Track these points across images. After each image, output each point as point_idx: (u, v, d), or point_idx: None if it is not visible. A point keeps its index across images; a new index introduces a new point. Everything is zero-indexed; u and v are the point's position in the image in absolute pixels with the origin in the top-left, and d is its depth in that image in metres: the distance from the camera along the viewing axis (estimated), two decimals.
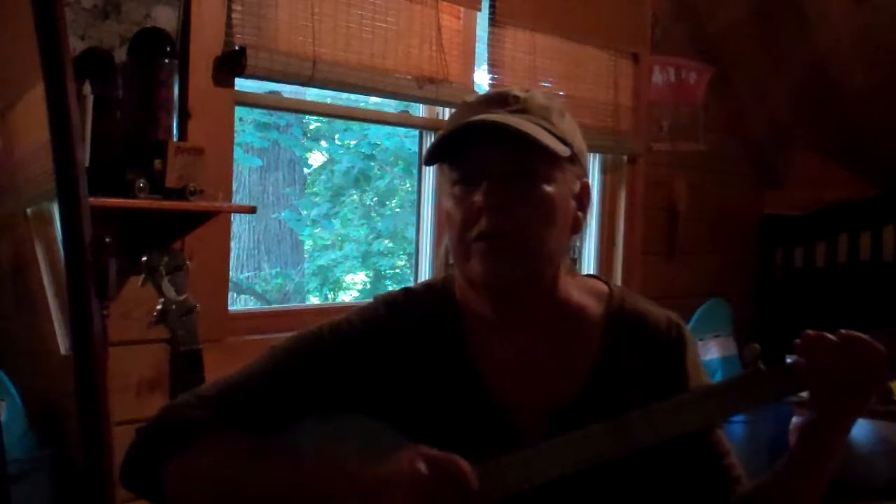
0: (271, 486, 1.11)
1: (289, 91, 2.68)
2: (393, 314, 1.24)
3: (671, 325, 1.26)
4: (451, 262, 1.24)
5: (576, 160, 1.20)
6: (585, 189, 1.23)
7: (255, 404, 1.18)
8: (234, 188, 2.49)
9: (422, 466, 1.03)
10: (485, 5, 2.96)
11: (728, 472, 1.23)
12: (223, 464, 1.13)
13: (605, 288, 1.29)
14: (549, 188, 1.16)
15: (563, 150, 1.15)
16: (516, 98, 1.18)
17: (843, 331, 1.11)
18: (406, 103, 3.01)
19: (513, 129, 1.13)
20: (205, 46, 2.23)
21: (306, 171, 6.44)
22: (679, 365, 1.24)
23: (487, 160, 1.15)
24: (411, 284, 1.36)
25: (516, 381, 1.20)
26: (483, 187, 1.14)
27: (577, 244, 1.25)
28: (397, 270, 6.27)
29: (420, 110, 3.01)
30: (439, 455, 1.05)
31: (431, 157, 1.20)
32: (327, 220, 6.17)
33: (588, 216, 1.25)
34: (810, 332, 1.13)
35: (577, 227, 1.22)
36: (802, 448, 1.15)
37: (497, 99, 1.19)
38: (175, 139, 2.09)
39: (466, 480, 1.04)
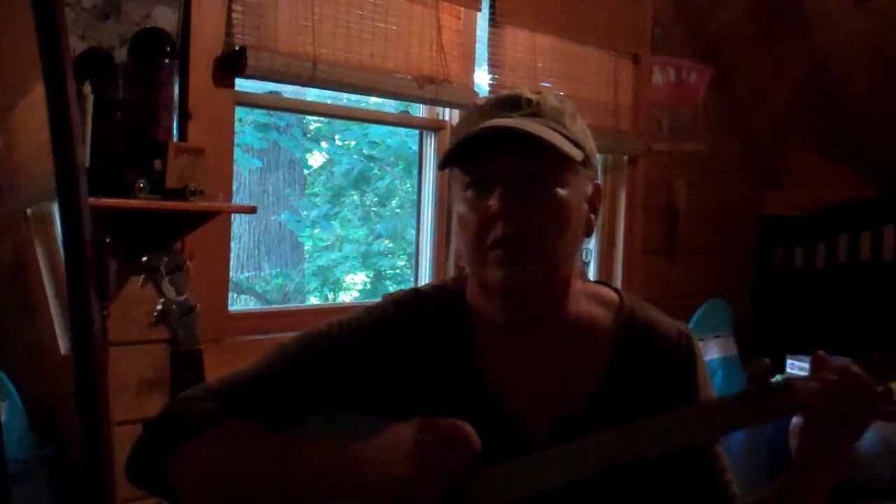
0: (278, 473, 1.10)
1: (289, 91, 2.68)
2: (402, 314, 1.24)
3: (681, 336, 1.26)
4: (461, 266, 1.23)
5: (588, 163, 1.20)
6: (597, 191, 1.23)
7: (262, 400, 1.18)
8: (235, 189, 2.49)
9: (424, 432, 1.03)
10: (485, 5, 2.96)
11: (724, 490, 1.24)
12: (230, 454, 1.13)
13: (615, 296, 1.29)
14: (563, 192, 1.15)
15: (576, 154, 1.15)
16: (529, 101, 1.18)
17: (845, 367, 1.12)
18: (406, 103, 3.01)
19: (527, 133, 1.12)
20: (205, 46, 2.23)
21: (306, 171, 6.44)
22: (689, 377, 1.25)
23: (501, 165, 1.14)
24: (416, 285, 1.36)
25: (524, 388, 1.20)
26: (497, 192, 1.13)
27: (588, 247, 1.25)
28: (397, 271, 6.27)
29: (420, 110, 3.01)
30: (441, 420, 1.05)
31: (445, 162, 1.19)
32: (327, 220, 6.16)
33: (598, 218, 1.25)
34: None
35: (590, 229, 1.22)
36: (797, 471, 1.16)
37: (509, 102, 1.19)
38: (175, 139, 2.09)
39: (469, 443, 1.04)
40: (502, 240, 1.13)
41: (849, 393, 1.10)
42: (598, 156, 1.27)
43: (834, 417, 1.11)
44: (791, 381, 1.14)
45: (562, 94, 3.24)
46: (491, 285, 1.17)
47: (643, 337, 1.25)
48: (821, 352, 1.14)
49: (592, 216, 1.23)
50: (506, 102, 1.19)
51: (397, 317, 1.23)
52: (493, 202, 1.13)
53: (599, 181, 1.25)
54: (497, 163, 1.14)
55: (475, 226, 1.15)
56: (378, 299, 1.29)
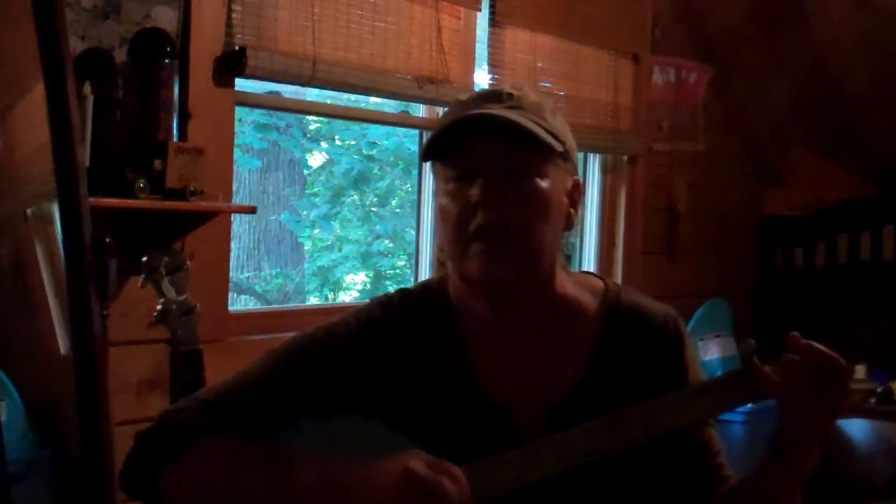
0: (269, 490, 1.11)
1: (289, 91, 2.68)
2: (388, 315, 1.24)
3: (668, 318, 1.27)
4: (444, 260, 1.24)
5: (568, 157, 1.21)
6: (577, 186, 1.24)
7: (254, 407, 1.18)
8: (234, 189, 2.49)
9: (417, 465, 1.03)
10: (485, 5, 2.96)
11: (717, 472, 1.24)
12: (221, 469, 1.13)
13: (599, 283, 1.30)
14: (543, 183, 1.16)
15: (557, 146, 1.16)
16: (510, 95, 1.19)
17: (811, 345, 1.11)
18: (406, 103, 3.01)
19: (509, 121, 1.13)
20: (205, 46, 2.23)
21: (306, 171, 6.44)
22: (678, 359, 1.25)
23: (482, 155, 1.15)
24: (408, 285, 1.37)
25: (513, 379, 1.21)
26: (479, 182, 1.14)
27: (570, 240, 1.26)
28: (397, 271, 6.27)
29: (420, 110, 3.01)
30: (437, 459, 1.05)
31: (427, 154, 1.20)
32: (327, 221, 6.17)
33: (579, 213, 1.26)
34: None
35: (570, 223, 1.23)
36: (773, 456, 1.15)
37: (490, 95, 1.20)
38: (175, 139, 2.09)
39: (459, 480, 1.04)
40: (483, 228, 1.14)
41: (811, 370, 1.09)
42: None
43: (799, 396, 1.10)
44: (758, 364, 1.13)
45: (561, 93, 3.25)
46: (472, 275, 1.17)
47: (630, 321, 1.25)
48: (794, 333, 1.13)
49: (572, 211, 1.23)
50: (486, 96, 1.21)
51: (384, 318, 1.24)
52: (473, 192, 1.14)
53: (580, 178, 1.27)
54: (478, 153, 1.15)
55: (456, 217, 1.16)
56: None
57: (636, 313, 1.26)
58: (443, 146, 1.18)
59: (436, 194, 1.22)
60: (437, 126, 1.22)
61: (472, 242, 1.15)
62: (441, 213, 1.20)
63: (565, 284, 1.25)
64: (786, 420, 1.12)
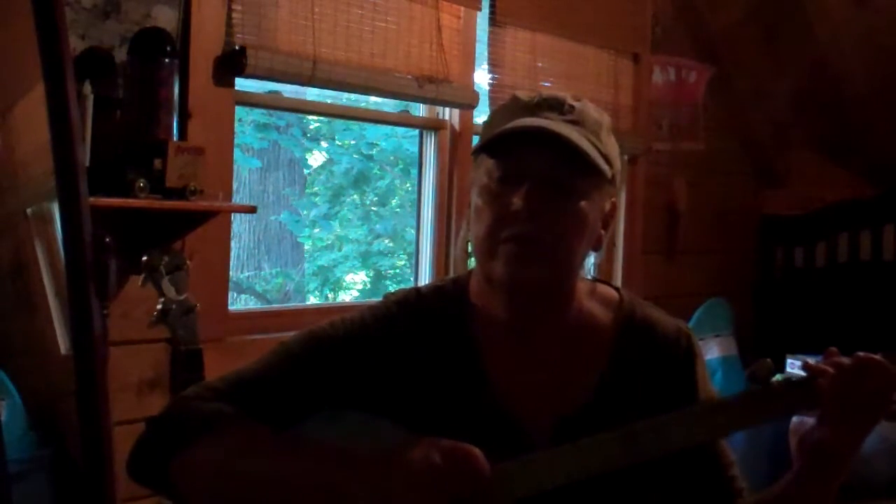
0: (283, 475, 1.10)
1: (289, 91, 2.68)
2: (405, 314, 1.24)
3: (681, 334, 1.27)
4: (470, 252, 1.23)
5: (613, 181, 1.20)
6: (613, 209, 1.24)
7: (265, 399, 1.18)
8: (234, 188, 2.48)
9: (436, 457, 1.03)
10: (485, 5, 2.96)
11: (730, 485, 1.24)
12: (234, 456, 1.12)
13: (615, 295, 1.29)
14: (585, 204, 1.16)
15: (608, 171, 1.16)
16: (571, 107, 1.18)
17: (859, 353, 1.13)
18: (406, 103, 3.02)
19: (569, 141, 1.13)
20: (205, 46, 2.23)
21: (306, 171, 6.44)
22: (689, 375, 1.25)
23: (535, 164, 1.14)
24: (416, 284, 1.36)
25: (526, 386, 1.20)
26: (524, 190, 1.13)
27: (593, 261, 1.26)
28: (397, 270, 6.27)
29: (420, 110, 3.01)
30: (454, 445, 1.04)
31: (479, 149, 1.19)
32: (327, 220, 6.16)
33: (608, 236, 1.25)
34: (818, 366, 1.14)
35: (598, 245, 1.23)
36: (809, 467, 1.15)
37: (552, 103, 1.19)
38: (175, 139, 2.09)
39: (479, 471, 1.03)
40: (517, 237, 1.13)
41: (867, 372, 1.11)
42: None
43: (852, 400, 1.11)
44: (792, 382, 1.14)
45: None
46: (497, 279, 1.17)
47: (643, 335, 1.25)
48: (833, 348, 1.15)
49: (603, 232, 1.23)
50: (548, 102, 1.19)
51: (400, 316, 1.23)
52: (517, 199, 1.13)
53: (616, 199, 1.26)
54: (531, 161, 1.14)
55: (492, 217, 1.15)
56: (378, 299, 1.29)
57: (649, 328, 1.26)
58: (497, 144, 1.17)
59: (474, 186, 1.21)
60: (493, 123, 1.20)
61: (503, 244, 1.15)
62: (477, 209, 1.19)
63: (582, 296, 1.25)
64: (828, 423, 1.13)
